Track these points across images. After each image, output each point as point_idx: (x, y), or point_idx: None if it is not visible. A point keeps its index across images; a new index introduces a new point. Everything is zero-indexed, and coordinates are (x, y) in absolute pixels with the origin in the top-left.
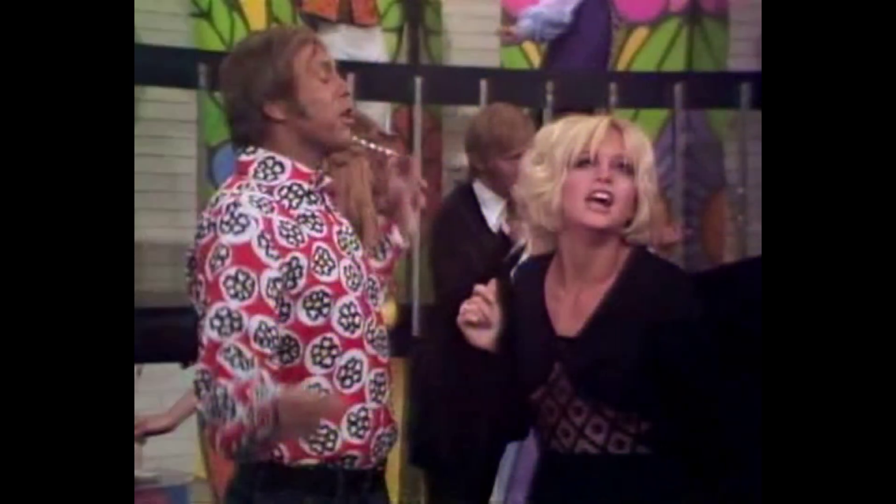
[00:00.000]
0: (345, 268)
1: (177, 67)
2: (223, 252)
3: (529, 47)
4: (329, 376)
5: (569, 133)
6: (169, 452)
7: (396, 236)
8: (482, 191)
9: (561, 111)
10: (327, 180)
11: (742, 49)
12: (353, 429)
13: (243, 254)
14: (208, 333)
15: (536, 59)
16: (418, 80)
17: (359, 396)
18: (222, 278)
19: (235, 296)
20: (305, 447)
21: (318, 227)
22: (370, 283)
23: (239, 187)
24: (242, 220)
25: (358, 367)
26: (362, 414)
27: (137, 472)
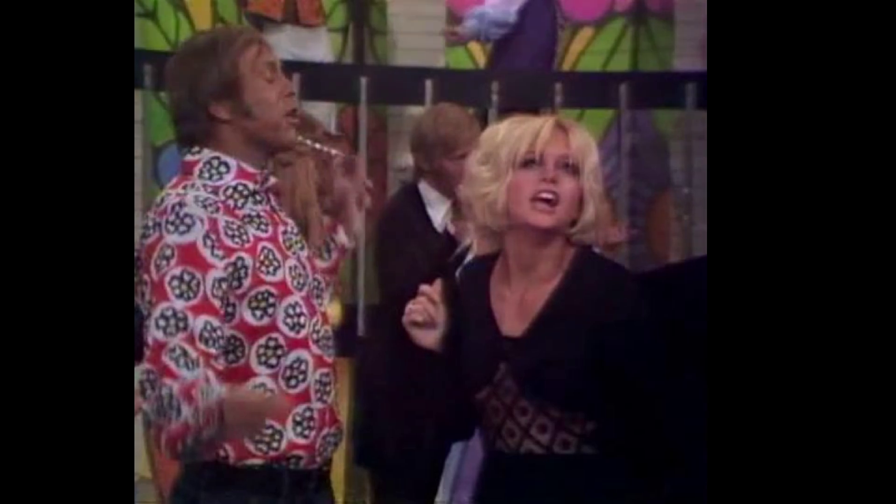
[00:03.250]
0: (290, 268)
1: None
2: (168, 252)
3: (475, 47)
4: (274, 376)
5: (514, 133)
6: None
7: (342, 236)
8: (427, 191)
9: (506, 111)
10: (272, 180)
11: (687, 49)
12: (299, 429)
13: (189, 254)
14: (153, 333)
15: (482, 60)
16: (363, 81)
17: (304, 396)
18: (167, 278)
19: (181, 296)
20: (251, 447)
21: (263, 227)
22: (315, 283)
23: (184, 187)
24: (188, 220)
25: (303, 367)
26: (307, 414)
27: None
